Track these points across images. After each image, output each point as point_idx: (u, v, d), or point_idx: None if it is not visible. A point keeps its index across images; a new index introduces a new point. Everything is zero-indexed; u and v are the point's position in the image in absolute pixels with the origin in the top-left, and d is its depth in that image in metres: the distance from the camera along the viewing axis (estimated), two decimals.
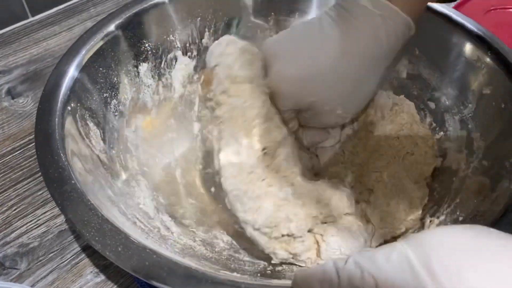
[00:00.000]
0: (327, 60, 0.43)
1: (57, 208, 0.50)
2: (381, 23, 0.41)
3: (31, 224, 0.50)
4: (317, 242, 0.41)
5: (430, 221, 0.43)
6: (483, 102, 0.47)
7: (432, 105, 0.53)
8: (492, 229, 0.27)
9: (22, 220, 0.50)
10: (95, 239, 0.34)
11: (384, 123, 0.52)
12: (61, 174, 0.38)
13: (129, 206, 0.43)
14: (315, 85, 0.43)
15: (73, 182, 0.38)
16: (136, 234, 0.36)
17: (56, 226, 0.50)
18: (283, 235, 0.40)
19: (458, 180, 0.45)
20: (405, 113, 0.53)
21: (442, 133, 0.51)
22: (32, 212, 0.51)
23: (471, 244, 0.25)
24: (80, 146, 0.44)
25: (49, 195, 0.52)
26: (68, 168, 0.39)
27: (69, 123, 0.44)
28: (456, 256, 0.25)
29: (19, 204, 0.52)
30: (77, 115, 0.46)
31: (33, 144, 0.57)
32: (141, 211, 0.44)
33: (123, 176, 0.47)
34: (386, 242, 0.42)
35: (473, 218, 0.39)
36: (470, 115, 0.48)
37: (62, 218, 0.50)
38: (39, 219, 0.50)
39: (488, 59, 0.48)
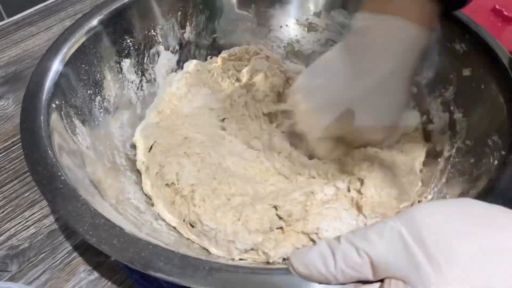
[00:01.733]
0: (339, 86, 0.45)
1: (46, 209, 0.50)
2: (391, 37, 0.42)
3: (19, 226, 0.49)
4: (313, 241, 0.41)
5: (419, 201, 0.44)
6: (463, 84, 0.49)
7: (414, 89, 0.54)
8: (477, 201, 0.28)
9: (10, 222, 0.50)
10: (89, 234, 0.34)
11: None
12: (50, 171, 0.38)
13: (120, 201, 0.43)
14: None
15: (62, 178, 0.37)
16: (129, 228, 0.36)
17: (46, 227, 0.49)
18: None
19: (443, 161, 0.46)
20: None
21: (425, 116, 0.52)
22: (20, 214, 0.50)
23: (459, 215, 0.26)
24: (67, 142, 0.43)
25: (36, 196, 0.52)
26: (56, 165, 0.38)
27: (54, 120, 0.43)
28: (446, 228, 0.25)
29: (7, 207, 0.51)
30: (62, 112, 0.45)
31: (17, 146, 0.57)
32: (132, 205, 0.44)
33: (112, 172, 0.47)
34: None
35: (459, 195, 0.40)
36: (451, 97, 0.50)
37: (51, 219, 0.50)
38: (28, 221, 0.50)
39: (466, 42, 0.49)
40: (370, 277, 0.27)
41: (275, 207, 0.41)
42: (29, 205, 0.51)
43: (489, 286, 0.23)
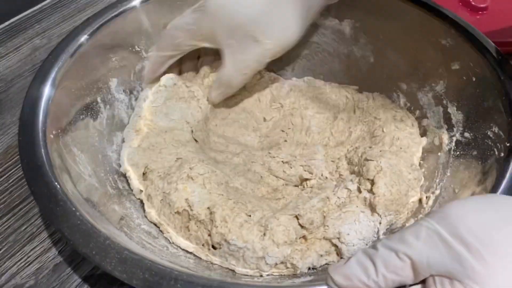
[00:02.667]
0: None
1: (47, 242, 0.48)
2: None
3: (21, 263, 0.47)
4: (335, 245, 0.42)
5: (427, 197, 0.45)
6: (453, 77, 0.50)
7: (403, 86, 0.55)
8: (503, 195, 0.29)
9: (10, 259, 0.47)
10: (118, 270, 0.33)
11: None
12: (63, 208, 0.36)
13: (132, 229, 0.42)
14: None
15: (78, 214, 0.36)
16: (152, 257, 0.36)
17: (50, 260, 0.47)
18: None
19: (444, 155, 0.48)
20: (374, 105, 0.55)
21: (418, 111, 0.53)
22: (20, 250, 0.48)
23: (491, 209, 0.27)
24: (71, 174, 0.42)
25: (34, 229, 0.50)
26: (68, 200, 0.37)
27: (55, 152, 0.42)
28: (481, 220, 0.26)
29: (4, 244, 0.48)
30: (60, 142, 0.43)
31: (4, 177, 0.54)
32: (144, 231, 0.43)
33: (116, 198, 0.45)
34: (392, 229, 0.44)
35: (468, 188, 0.42)
36: (443, 91, 0.51)
37: (54, 251, 0.48)
38: (29, 256, 0.48)
39: (452, 36, 0.50)
40: (411, 279, 0.28)
41: (297, 217, 0.41)
42: (28, 239, 0.49)
43: None
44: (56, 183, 0.38)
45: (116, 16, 0.53)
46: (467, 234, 0.25)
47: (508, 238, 0.25)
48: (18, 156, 0.49)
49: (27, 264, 0.47)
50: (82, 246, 0.34)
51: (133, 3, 0.54)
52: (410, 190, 0.44)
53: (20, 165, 0.40)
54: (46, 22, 0.73)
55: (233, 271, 0.40)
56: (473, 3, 0.69)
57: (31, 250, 0.48)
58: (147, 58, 0.56)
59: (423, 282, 0.28)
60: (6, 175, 0.54)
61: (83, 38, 0.50)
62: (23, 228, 0.50)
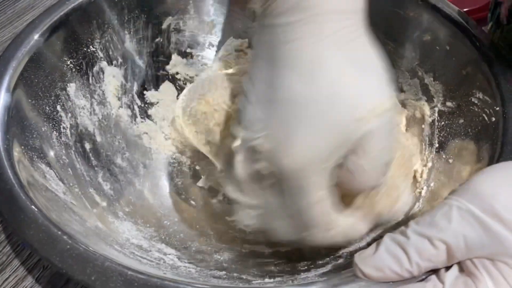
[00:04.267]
0: None
1: (20, 270, 0.44)
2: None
3: None
4: None
5: (422, 171, 0.44)
6: (426, 48, 0.50)
7: None
8: None
9: None
10: None
11: None
12: (47, 233, 0.32)
13: (122, 245, 0.38)
14: None
15: (65, 237, 0.32)
16: (155, 273, 0.32)
17: None
18: None
19: (428, 126, 0.47)
20: None
21: (394, 86, 0.53)
22: None
23: None
24: (44, 193, 0.37)
25: (4, 258, 0.44)
26: (50, 224, 0.33)
27: (22, 172, 0.37)
28: None
29: None
30: (26, 159, 0.39)
31: None
32: (134, 246, 0.39)
33: (97, 214, 0.41)
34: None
35: (462, 155, 0.42)
36: (416, 63, 0.51)
37: (31, 279, 0.43)
38: None
39: (420, 8, 0.50)
40: (444, 263, 0.26)
41: None
42: None
43: None
44: (32, 206, 0.33)
45: (66, 14, 0.48)
46: (505, 211, 0.24)
47: None
48: None
49: None
50: (78, 273, 0.30)
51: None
52: (407, 174, 0.43)
53: None
54: None
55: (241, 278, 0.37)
56: None
57: (4, 281, 0.43)
58: (103, 58, 0.52)
59: (457, 264, 0.26)
60: None
61: (31, 42, 0.45)
62: None
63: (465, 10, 0.49)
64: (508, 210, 0.25)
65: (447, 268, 0.27)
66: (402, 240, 0.26)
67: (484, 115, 0.41)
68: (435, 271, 0.27)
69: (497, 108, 0.40)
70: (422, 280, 0.26)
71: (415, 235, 0.26)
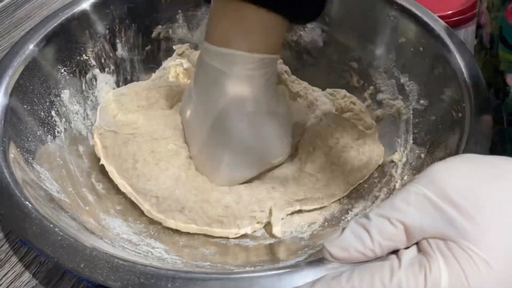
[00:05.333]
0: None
1: (18, 266, 0.46)
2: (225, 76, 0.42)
3: None
4: None
5: (397, 166, 0.47)
6: (401, 50, 0.52)
7: (354, 64, 0.57)
8: (475, 154, 0.31)
9: None
10: (111, 279, 0.32)
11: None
12: (40, 226, 0.34)
13: (112, 239, 0.40)
14: None
15: (56, 230, 0.34)
16: (141, 261, 0.35)
17: (25, 285, 0.44)
18: None
19: (404, 123, 0.50)
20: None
21: (372, 87, 0.55)
22: None
23: (474, 169, 0.28)
24: (39, 193, 0.40)
25: (2, 255, 0.46)
26: (43, 218, 0.35)
27: (18, 171, 0.40)
28: (468, 182, 0.27)
29: None
30: (22, 160, 0.41)
31: None
32: (124, 240, 0.42)
33: (89, 211, 0.44)
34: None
35: (433, 149, 0.44)
36: (393, 64, 0.53)
37: (28, 275, 0.45)
38: (1, 284, 0.45)
39: (395, 12, 0.53)
40: (404, 243, 0.28)
41: None
42: None
43: None
44: (26, 202, 0.36)
45: (61, 25, 0.51)
46: (456, 196, 0.26)
47: (493, 196, 0.26)
48: None
49: None
50: (68, 261, 0.33)
51: (78, 8, 0.52)
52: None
53: None
54: None
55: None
56: None
57: (3, 277, 0.45)
58: (96, 66, 0.55)
59: (416, 244, 0.28)
60: None
61: (27, 52, 0.48)
62: None
63: (438, 15, 0.51)
64: (459, 195, 0.27)
65: (408, 249, 0.29)
66: (365, 222, 0.28)
67: (452, 111, 0.44)
68: (396, 252, 0.29)
69: (463, 104, 0.43)
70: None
71: (376, 217, 0.28)
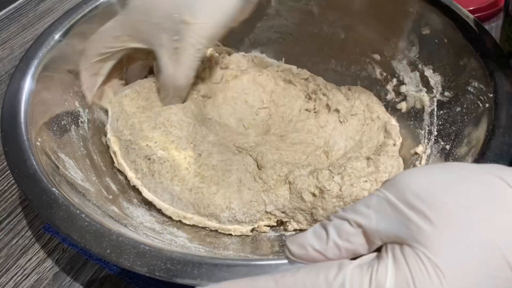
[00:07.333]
0: None
1: (41, 252, 0.47)
2: None
3: (18, 276, 0.45)
4: None
5: (421, 157, 0.46)
6: (425, 42, 0.52)
7: (377, 56, 0.56)
8: (458, 162, 0.30)
9: (5, 275, 0.45)
10: (137, 264, 0.32)
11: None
12: (67, 212, 0.35)
13: (136, 227, 0.41)
14: None
15: (83, 216, 0.35)
16: (167, 247, 0.35)
17: (48, 270, 0.45)
18: None
19: (428, 115, 0.49)
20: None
21: (395, 79, 0.55)
22: (14, 264, 0.46)
23: (439, 173, 0.27)
24: (65, 180, 0.40)
25: (26, 241, 0.48)
26: (70, 205, 0.36)
27: (44, 159, 0.40)
28: (427, 185, 0.26)
29: None
30: (48, 149, 0.42)
31: None
32: (148, 229, 0.42)
33: (113, 200, 0.44)
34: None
35: (460, 141, 0.43)
36: (416, 56, 0.53)
37: (51, 261, 0.46)
38: (26, 269, 0.46)
39: (419, 2, 0.52)
40: (364, 247, 0.27)
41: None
42: (21, 252, 0.47)
43: (476, 226, 0.24)
44: (53, 189, 0.37)
45: (84, 16, 0.51)
46: (413, 197, 0.25)
47: (452, 198, 0.25)
48: None
49: (24, 277, 0.45)
50: (95, 247, 0.33)
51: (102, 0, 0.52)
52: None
53: None
54: (5, 33, 0.70)
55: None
56: None
57: (27, 262, 0.46)
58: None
59: (378, 250, 0.27)
60: None
61: (53, 41, 0.49)
62: (14, 241, 0.48)
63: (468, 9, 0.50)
64: (417, 197, 0.25)
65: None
66: (326, 222, 0.28)
67: (479, 102, 0.43)
68: None
69: (491, 95, 0.42)
70: None
71: (336, 218, 0.27)
